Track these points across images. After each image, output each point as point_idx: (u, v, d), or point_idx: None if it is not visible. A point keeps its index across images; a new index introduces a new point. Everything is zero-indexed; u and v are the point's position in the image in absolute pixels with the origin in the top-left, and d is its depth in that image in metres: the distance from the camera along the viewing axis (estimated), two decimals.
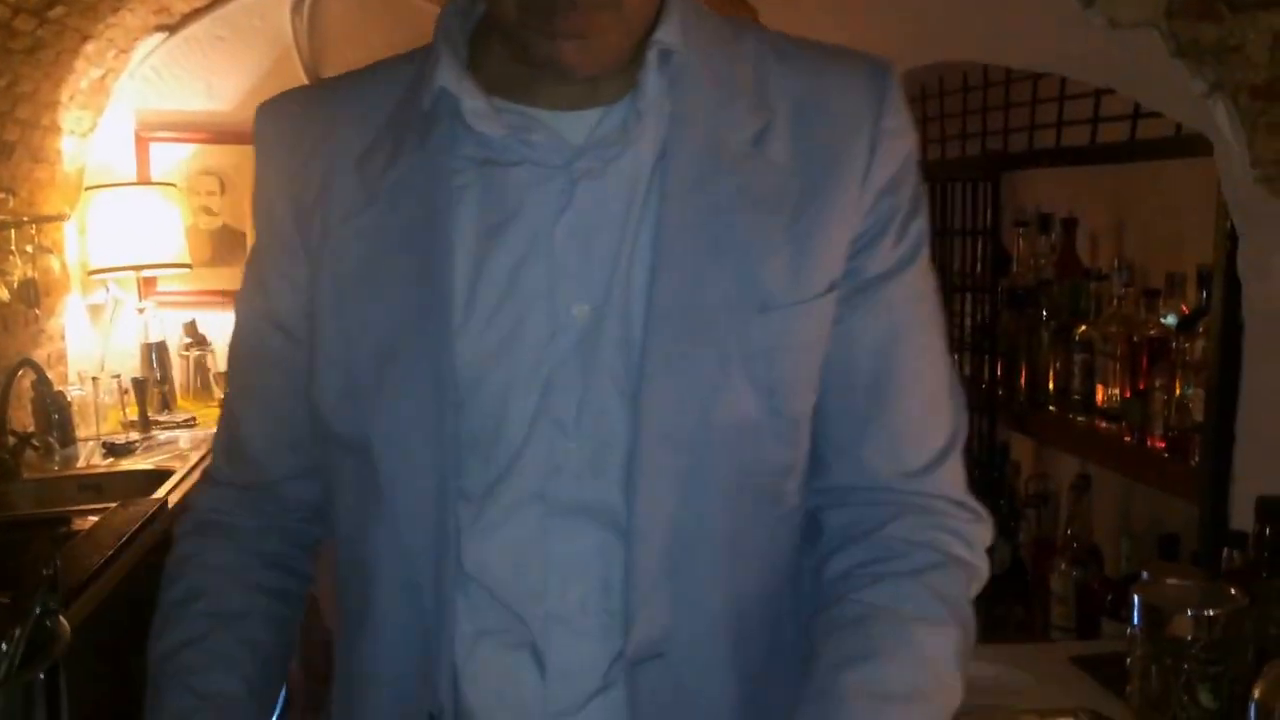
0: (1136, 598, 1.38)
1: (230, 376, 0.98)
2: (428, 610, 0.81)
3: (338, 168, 0.84)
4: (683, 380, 0.79)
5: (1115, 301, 2.14)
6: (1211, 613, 1.31)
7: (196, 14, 3.59)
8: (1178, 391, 1.92)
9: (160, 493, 2.52)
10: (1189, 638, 1.31)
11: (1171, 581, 1.40)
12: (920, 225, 0.86)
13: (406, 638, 0.82)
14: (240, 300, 0.93)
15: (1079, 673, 1.53)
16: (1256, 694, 1.00)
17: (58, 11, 2.83)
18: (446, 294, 0.80)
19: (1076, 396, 2.13)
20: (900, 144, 0.84)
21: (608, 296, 0.80)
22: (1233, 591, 1.35)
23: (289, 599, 0.96)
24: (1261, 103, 1.53)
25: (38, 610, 0.87)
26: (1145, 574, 1.47)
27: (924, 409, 0.87)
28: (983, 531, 0.87)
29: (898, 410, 0.86)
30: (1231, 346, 1.73)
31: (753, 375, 0.80)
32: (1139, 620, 1.36)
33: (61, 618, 0.88)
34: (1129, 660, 1.40)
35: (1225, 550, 1.52)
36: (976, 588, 0.86)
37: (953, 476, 0.87)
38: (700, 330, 0.79)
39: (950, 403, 0.88)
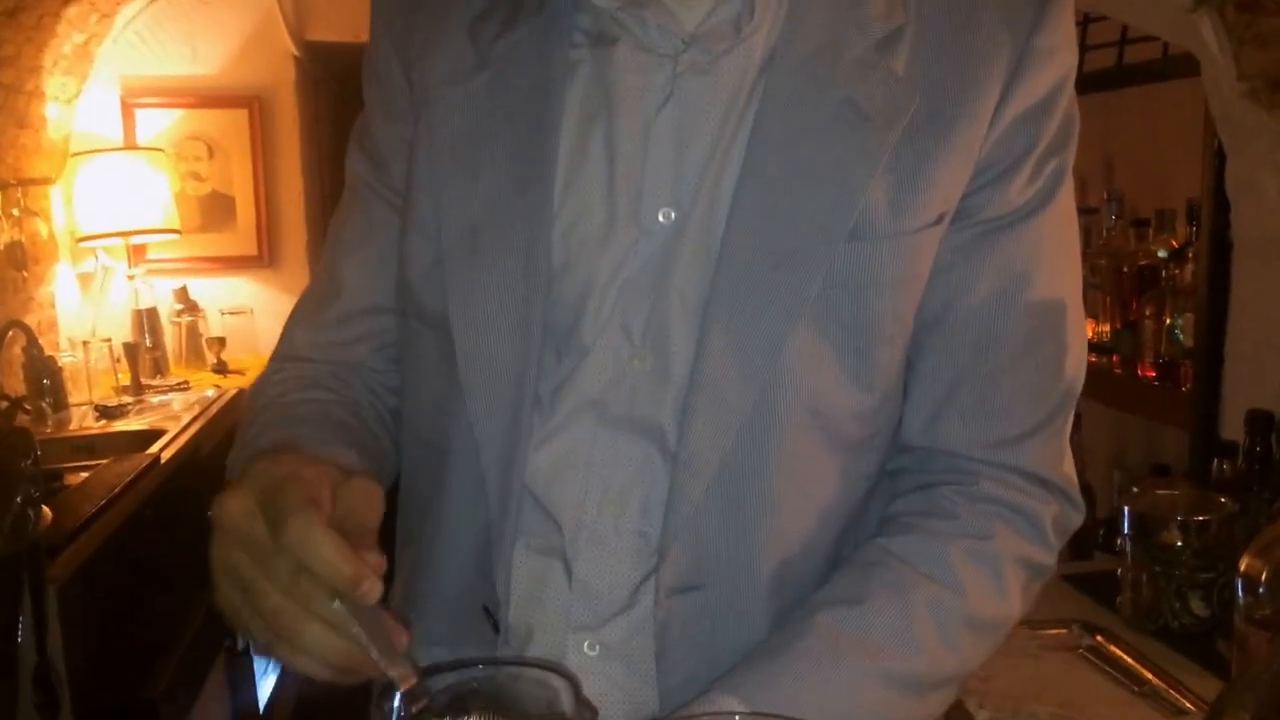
0: (1126, 509, 1.38)
1: (333, 243, 0.90)
2: (492, 504, 0.77)
3: (447, 28, 0.80)
4: (753, 307, 0.72)
5: (1105, 234, 2.14)
6: (1200, 519, 1.31)
7: None
8: (1167, 321, 1.92)
9: (153, 450, 2.51)
10: (1178, 544, 1.32)
11: (1160, 491, 1.40)
12: (1060, 164, 0.76)
13: (470, 528, 0.79)
14: (349, 167, 0.89)
15: (1071, 589, 1.53)
16: (1243, 566, 1.00)
17: None
18: (550, 173, 0.75)
19: None
20: (1053, 66, 0.75)
21: (694, 205, 0.74)
22: (1221, 500, 1.35)
23: (383, 453, 0.87)
24: (1248, 15, 1.52)
25: (19, 499, 0.87)
26: (1135, 489, 1.47)
27: (1031, 378, 0.77)
28: (1060, 515, 0.78)
29: (999, 379, 0.76)
30: (1220, 267, 1.73)
31: (834, 309, 0.73)
32: (1129, 530, 1.37)
33: (44, 506, 0.88)
34: (1120, 570, 1.40)
35: (1215, 462, 1.52)
36: (1034, 580, 0.77)
37: (1044, 450, 0.78)
38: (780, 254, 0.72)
39: (1066, 370, 0.77)
